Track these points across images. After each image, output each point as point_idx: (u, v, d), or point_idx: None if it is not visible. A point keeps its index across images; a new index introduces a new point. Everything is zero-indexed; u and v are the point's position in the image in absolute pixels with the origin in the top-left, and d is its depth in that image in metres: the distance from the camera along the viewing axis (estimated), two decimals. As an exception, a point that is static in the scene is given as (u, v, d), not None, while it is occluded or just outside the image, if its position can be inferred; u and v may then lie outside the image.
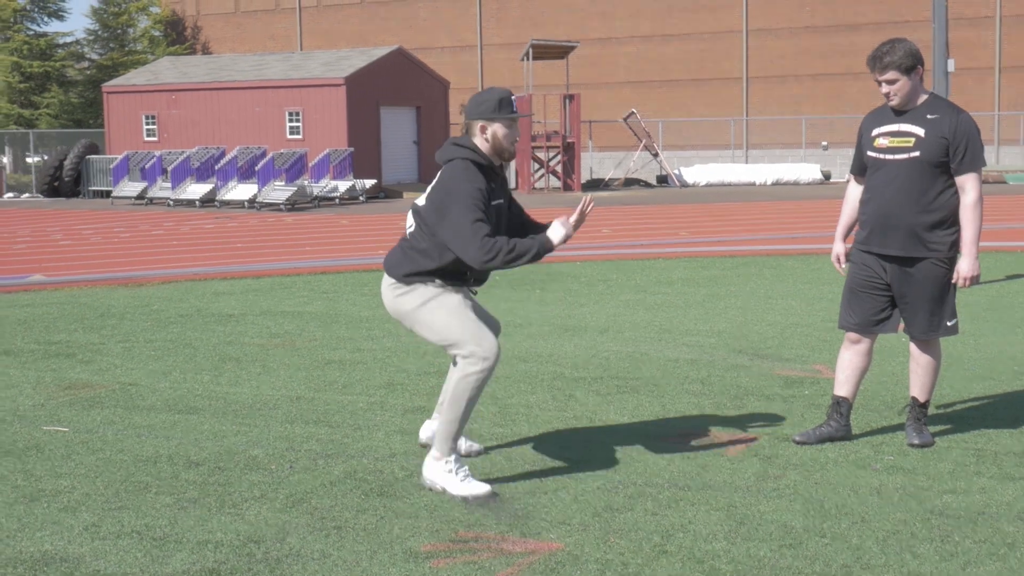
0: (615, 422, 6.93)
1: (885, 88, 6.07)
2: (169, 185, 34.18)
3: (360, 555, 4.68)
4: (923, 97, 6.10)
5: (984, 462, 5.94)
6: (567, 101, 38.33)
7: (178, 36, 57.41)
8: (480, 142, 5.67)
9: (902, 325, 6.32)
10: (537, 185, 38.85)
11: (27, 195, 40.22)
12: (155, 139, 39.74)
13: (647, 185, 41.38)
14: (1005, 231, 19.34)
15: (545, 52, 40.57)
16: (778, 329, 10.43)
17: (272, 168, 32.73)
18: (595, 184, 41.10)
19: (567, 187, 38.05)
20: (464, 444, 6.10)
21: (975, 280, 6.07)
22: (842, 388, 6.43)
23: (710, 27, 48.27)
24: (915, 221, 6.00)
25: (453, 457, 5.55)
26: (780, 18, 47.30)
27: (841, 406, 6.40)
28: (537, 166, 38.84)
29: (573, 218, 5.65)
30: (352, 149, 35.43)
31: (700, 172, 41.00)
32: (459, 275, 5.70)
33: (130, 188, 35.25)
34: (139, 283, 14.90)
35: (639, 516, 5.12)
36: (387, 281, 5.78)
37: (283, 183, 32.53)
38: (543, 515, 5.14)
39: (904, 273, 6.10)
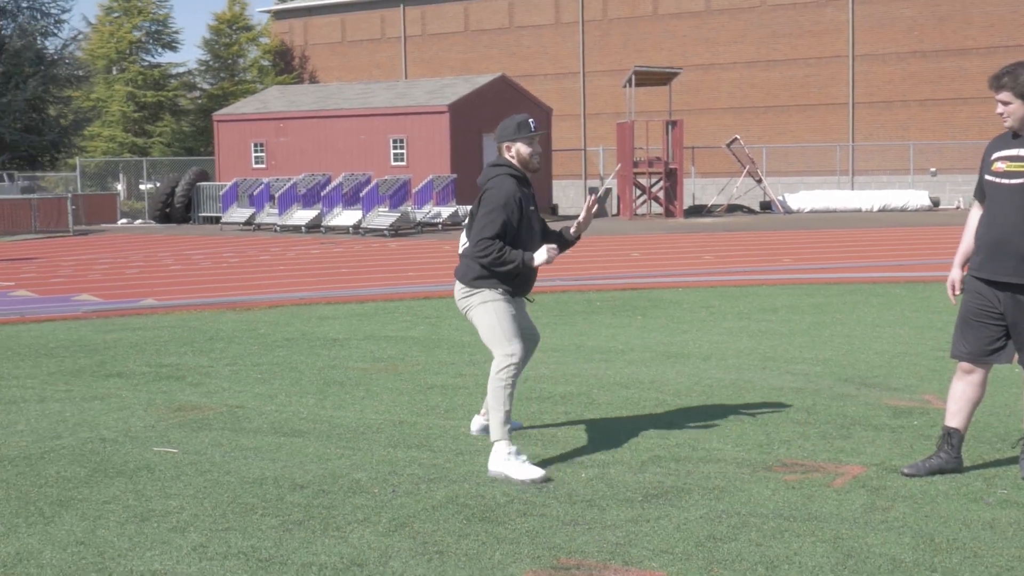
0: (718, 450, 6.82)
1: (1000, 108, 5.91)
2: (276, 211, 34.76)
3: (461, 581, 4.68)
4: None
5: (1102, 497, 5.75)
6: (670, 127, 38.24)
7: (286, 66, 58.42)
8: (512, 158, 6.84)
9: (1016, 356, 6.13)
10: (639, 211, 38.77)
11: (140, 221, 41.18)
12: (263, 166, 40.48)
13: (750, 211, 41.07)
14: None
15: (648, 78, 40.56)
16: (886, 358, 10.23)
17: (376, 194, 33.11)
18: (698, 210, 40.92)
19: (669, 213, 37.93)
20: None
21: None
22: (954, 419, 6.22)
23: (815, 52, 47.78)
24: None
25: (509, 442, 6.44)
26: (887, 43, 46.63)
27: (952, 437, 6.20)
28: (639, 192, 38.78)
29: (581, 217, 6.99)
30: (455, 176, 35.70)
31: (805, 198, 40.63)
32: (510, 279, 6.75)
33: (239, 214, 35.92)
34: (247, 307, 15.13)
35: (743, 546, 5.02)
36: (457, 286, 6.93)
37: (387, 209, 32.89)
38: (645, 543, 5.08)
39: (1017, 301, 5.90)
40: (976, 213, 6.21)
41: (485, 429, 6.97)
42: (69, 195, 38.12)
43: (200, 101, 59.08)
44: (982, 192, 6.13)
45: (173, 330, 12.86)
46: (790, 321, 12.90)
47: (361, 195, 33.72)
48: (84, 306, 15.51)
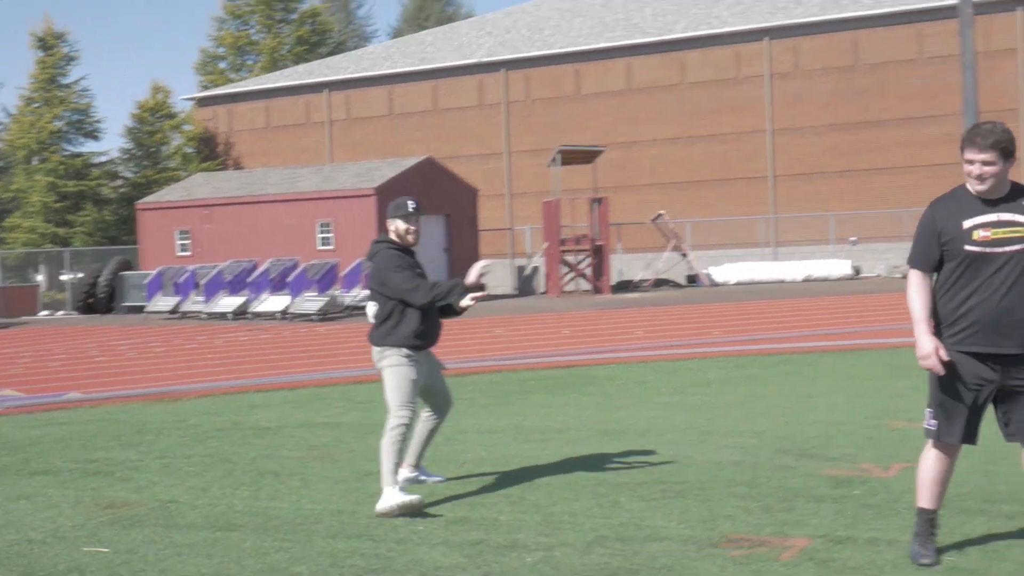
0: (663, 528, 6.74)
1: (979, 169, 5.50)
2: (203, 299, 34.38)
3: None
4: (1009, 186, 5.62)
5: (1047, 561, 5.74)
6: (595, 204, 38.53)
7: (211, 152, 58.14)
8: (392, 235, 7.94)
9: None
10: (567, 288, 38.80)
11: (62, 312, 40.52)
12: (188, 254, 40.06)
13: (677, 285, 41.33)
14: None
15: (572, 157, 40.85)
16: (821, 427, 10.25)
17: (304, 279, 32.91)
18: (625, 285, 41.06)
19: (597, 290, 38.02)
20: (431, 478, 8.49)
21: None
22: (934, 499, 5.88)
23: (734, 128, 48.50)
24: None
25: (394, 486, 7.51)
26: (805, 117, 47.52)
27: (931, 520, 5.88)
28: (566, 269, 38.87)
29: (470, 280, 7.67)
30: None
31: (729, 271, 41.03)
32: (420, 337, 7.85)
33: (164, 303, 35.46)
34: (175, 397, 14.84)
35: (695, 627, 4.95)
36: (374, 349, 8.04)
37: (315, 294, 32.66)
38: (596, 628, 4.99)
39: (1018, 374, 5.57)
40: (924, 281, 5.71)
41: (408, 480, 8.05)
42: (-10, 288, 37.50)
43: (123, 190, 58.53)
44: (934, 262, 5.68)
45: (100, 424, 12.55)
46: (724, 394, 12.91)
47: (288, 280, 33.49)
48: (6, 402, 15.12)
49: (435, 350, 8.25)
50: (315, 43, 67.37)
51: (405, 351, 7.75)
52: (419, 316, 7.78)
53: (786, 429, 10.26)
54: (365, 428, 11.29)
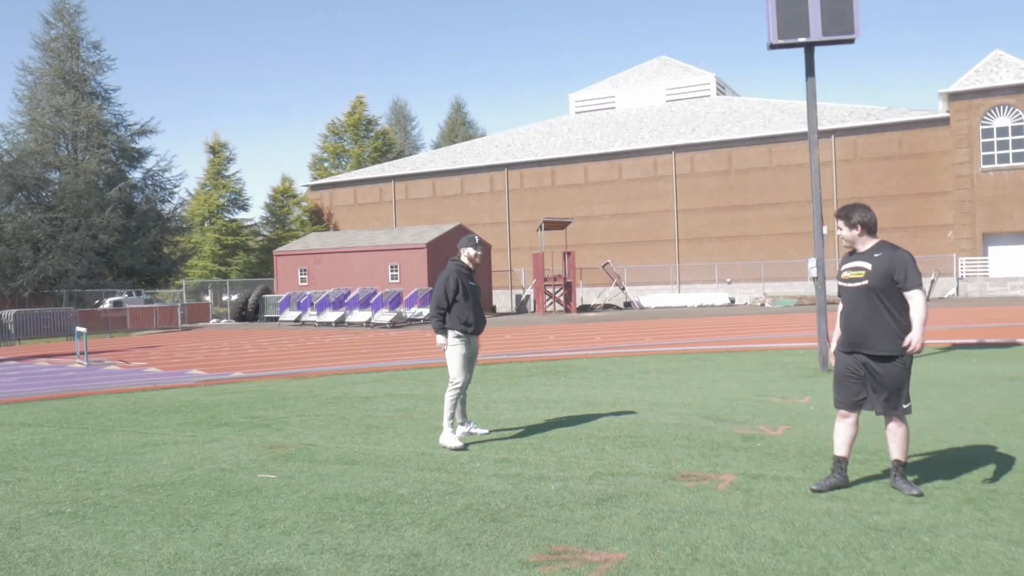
0: (637, 467, 6.59)
1: (838, 232, 5.58)
2: (316, 312, 34.16)
3: (488, 564, 4.35)
4: (871, 243, 5.53)
5: (894, 493, 5.57)
6: (566, 256, 38.43)
7: (319, 219, 58.00)
8: (463, 257, 7.85)
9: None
10: (548, 309, 38.66)
11: (224, 321, 40.27)
12: (306, 283, 39.89)
13: (617, 308, 41.14)
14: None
15: (551, 225, 40.80)
16: (727, 402, 10.03)
17: (381, 301, 32.73)
18: (585, 308, 40.85)
19: (567, 310, 37.87)
20: (478, 430, 8.09)
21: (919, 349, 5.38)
22: (841, 450, 5.66)
23: (653, 208, 48.48)
24: (870, 330, 5.44)
25: (449, 429, 7.57)
26: (698, 201, 47.52)
27: (841, 463, 5.67)
28: (548, 297, 38.73)
29: (440, 343, 7.67)
30: (431, 288, 35.44)
31: (651, 299, 40.87)
32: (466, 324, 7.60)
33: (290, 315, 35.26)
34: (303, 376, 14.66)
35: (672, 534, 4.77)
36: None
37: (388, 310, 32.47)
38: (606, 534, 4.81)
39: (871, 366, 5.47)
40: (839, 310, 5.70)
41: (465, 433, 7.97)
42: (179, 304, 37.19)
43: (262, 243, 58.37)
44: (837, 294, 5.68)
45: (257, 393, 12.39)
46: (660, 378, 12.70)
47: (371, 301, 33.31)
48: (195, 378, 14.94)
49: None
50: (385, 151, 67.36)
51: (456, 333, 7.61)
52: (467, 309, 7.58)
53: (704, 402, 10.06)
54: (431, 398, 11.13)
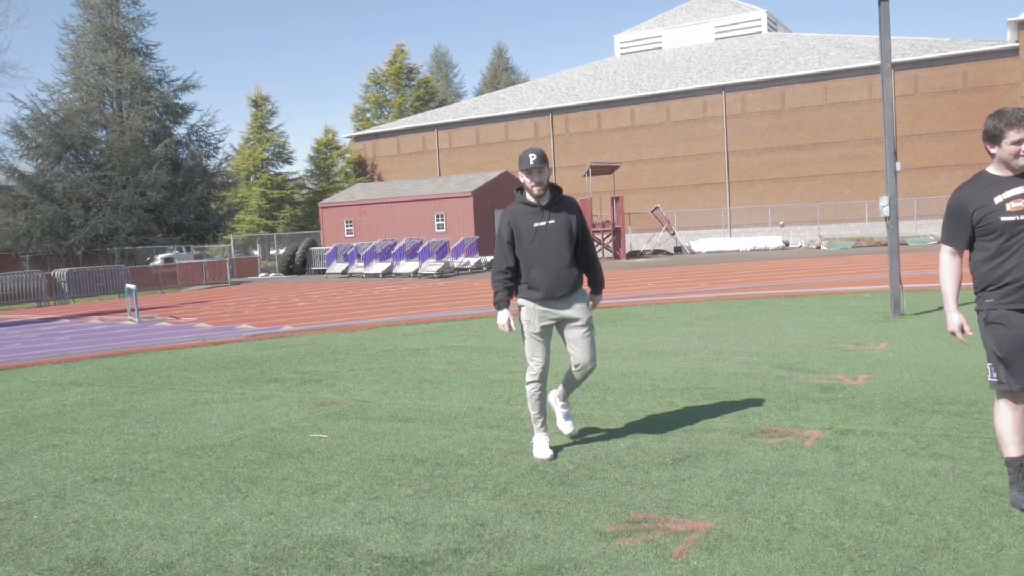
0: (711, 422, 6.12)
1: (997, 148, 4.06)
2: (363, 264, 34.06)
3: (562, 535, 3.95)
4: None
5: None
6: (614, 201, 37.67)
7: (363, 171, 57.76)
8: (524, 187, 5.21)
9: None
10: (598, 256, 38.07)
11: (272, 274, 40.44)
12: (352, 235, 39.79)
13: (668, 254, 40.39)
14: None
15: (599, 171, 40.01)
16: (797, 349, 9.49)
17: (427, 251, 32.47)
18: (634, 254, 40.19)
19: (616, 257, 37.26)
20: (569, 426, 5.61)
21: None
22: (1020, 448, 4.10)
23: (703, 151, 47.24)
24: None
25: (538, 430, 5.42)
26: (749, 143, 46.15)
27: (1018, 465, 4.11)
28: (597, 243, 38.10)
29: (504, 323, 5.21)
30: (478, 237, 35.05)
31: (702, 244, 40.00)
32: (529, 290, 5.19)
33: (337, 267, 35.22)
34: (353, 329, 14.42)
35: (761, 499, 4.33)
36: None
37: (435, 260, 32.20)
38: (688, 499, 4.39)
39: None
40: (954, 260, 4.23)
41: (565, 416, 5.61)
42: (227, 259, 37.39)
43: (307, 195, 58.38)
44: (967, 240, 4.14)
45: (306, 347, 12.15)
46: (720, 325, 12.18)
47: (417, 251, 33.07)
48: (245, 332, 14.80)
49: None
50: (427, 99, 66.56)
51: (522, 301, 5.37)
52: (531, 263, 5.15)
53: (772, 349, 9.54)
54: (484, 350, 10.78)
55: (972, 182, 4.14)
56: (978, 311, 4.16)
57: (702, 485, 4.59)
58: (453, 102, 74.73)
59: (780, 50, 50.61)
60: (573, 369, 5.28)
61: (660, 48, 59.00)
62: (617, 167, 40.23)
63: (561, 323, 5.19)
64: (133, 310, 19.73)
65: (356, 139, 59.12)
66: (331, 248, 36.49)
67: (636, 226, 45.29)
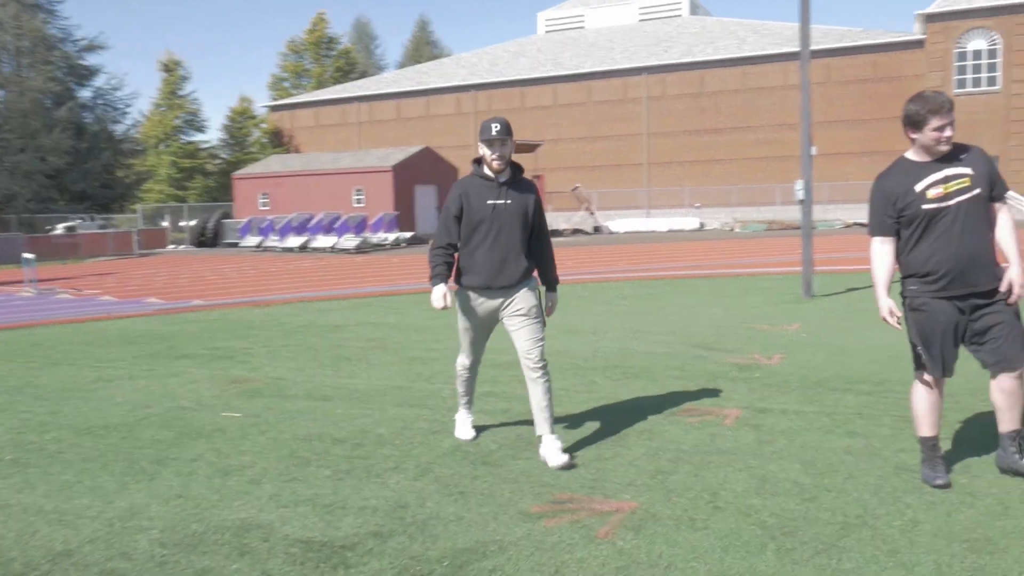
0: (632, 400, 6.14)
1: (948, 132, 3.97)
2: (278, 238, 33.27)
3: (486, 516, 3.88)
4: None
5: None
6: (535, 179, 37.66)
7: (279, 142, 56.36)
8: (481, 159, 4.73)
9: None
10: (516, 234, 38.03)
11: (183, 246, 39.16)
12: (267, 208, 38.81)
13: (587, 233, 40.66)
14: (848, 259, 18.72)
15: (520, 148, 39.88)
16: (712, 329, 9.61)
17: (345, 226, 31.92)
18: (555, 233, 40.35)
19: (536, 235, 37.31)
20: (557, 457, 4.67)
21: None
22: (933, 428, 4.18)
23: (623, 131, 47.72)
24: (988, 253, 4.03)
25: (462, 406, 5.25)
26: (668, 125, 46.82)
27: (933, 444, 4.19)
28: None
29: (439, 302, 4.53)
30: (397, 212, 34.64)
31: (620, 224, 40.40)
32: (468, 275, 4.67)
33: (251, 240, 34.33)
34: (267, 304, 14.04)
35: (685, 478, 4.34)
36: None
37: (352, 235, 31.69)
38: (612, 478, 4.36)
39: (986, 307, 4.03)
40: (885, 247, 4.13)
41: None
42: (135, 230, 35.99)
43: (220, 166, 56.61)
44: (892, 227, 4.10)
45: (218, 322, 11.76)
46: (638, 305, 12.29)
47: (335, 226, 32.46)
48: (152, 306, 14.24)
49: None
50: (347, 71, 65.23)
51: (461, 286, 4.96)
52: (477, 246, 4.69)
53: (688, 329, 9.64)
54: (404, 326, 10.62)
55: (892, 169, 4.13)
56: (903, 297, 4.21)
57: (626, 464, 4.58)
58: (374, 74, 73.42)
59: (701, 33, 51.38)
60: (522, 364, 4.65)
61: (583, 28, 59.17)
62: (539, 145, 40.24)
63: (502, 313, 4.69)
64: (31, 281, 18.77)
65: (273, 109, 57.57)
66: (245, 221, 35.52)
67: (556, 205, 45.47)
